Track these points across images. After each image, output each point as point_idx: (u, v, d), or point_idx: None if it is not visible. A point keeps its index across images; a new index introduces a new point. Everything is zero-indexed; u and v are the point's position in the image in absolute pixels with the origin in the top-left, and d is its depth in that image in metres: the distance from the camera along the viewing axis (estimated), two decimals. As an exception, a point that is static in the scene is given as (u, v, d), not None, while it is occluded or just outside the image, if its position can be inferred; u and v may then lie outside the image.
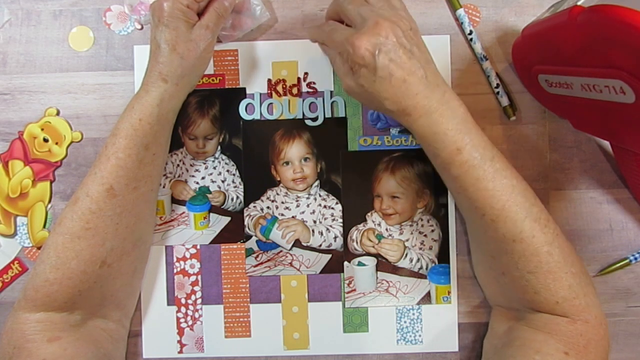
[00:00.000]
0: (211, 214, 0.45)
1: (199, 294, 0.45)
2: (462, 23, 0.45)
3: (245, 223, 0.45)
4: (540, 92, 0.42)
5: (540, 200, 0.36)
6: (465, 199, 0.36)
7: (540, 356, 0.34)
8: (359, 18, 0.35)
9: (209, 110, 0.45)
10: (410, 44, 0.34)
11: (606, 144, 0.45)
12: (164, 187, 0.45)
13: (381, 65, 0.33)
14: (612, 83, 0.31)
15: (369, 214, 0.45)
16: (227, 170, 0.45)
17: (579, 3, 0.32)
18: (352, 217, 0.45)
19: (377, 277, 0.45)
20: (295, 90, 0.45)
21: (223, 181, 0.46)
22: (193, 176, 0.46)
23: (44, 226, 0.45)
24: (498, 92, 0.44)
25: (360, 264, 0.45)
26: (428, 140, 0.35)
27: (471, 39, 0.44)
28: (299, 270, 0.45)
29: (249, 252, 0.45)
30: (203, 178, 0.46)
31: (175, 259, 0.45)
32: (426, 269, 0.45)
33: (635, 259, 0.44)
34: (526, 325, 0.37)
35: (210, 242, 0.45)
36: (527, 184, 0.37)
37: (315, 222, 0.45)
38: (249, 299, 0.45)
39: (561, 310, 0.35)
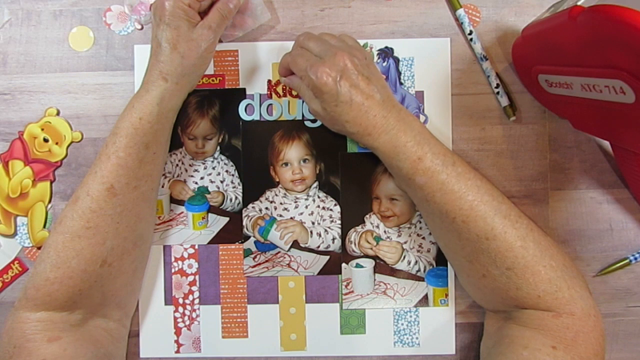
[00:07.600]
0: (210, 214, 0.45)
1: (196, 294, 0.45)
2: (462, 23, 0.44)
3: (244, 224, 0.45)
4: (540, 92, 0.42)
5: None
6: (434, 206, 0.37)
7: (528, 351, 0.34)
8: (320, 52, 0.38)
9: (209, 111, 0.45)
10: (367, 71, 0.38)
11: (606, 144, 0.44)
12: (162, 186, 0.45)
13: (343, 91, 0.36)
14: (612, 83, 0.31)
15: (367, 215, 0.45)
16: (226, 171, 0.45)
17: (579, 3, 0.32)
18: (351, 219, 0.45)
19: (374, 279, 0.45)
20: (295, 92, 0.45)
21: (222, 181, 0.46)
22: (192, 176, 0.46)
23: (44, 226, 0.45)
24: (498, 92, 0.44)
25: (358, 265, 0.45)
26: (390, 154, 0.37)
27: (471, 39, 0.44)
28: (296, 271, 0.45)
29: (247, 253, 0.45)
30: (202, 178, 0.46)
31: (173, 259, 0.45)
32: (424, 271, 0.45)
33: (635, 259, 0.44)
34: (514, 323, 0.37)
35: (209, 242, 0.45)
36: (492, 185, 0.38)
37: (313, 223, 0.45)
38: (246, 300, 0.45)
39: (544, 304, 0.35)
